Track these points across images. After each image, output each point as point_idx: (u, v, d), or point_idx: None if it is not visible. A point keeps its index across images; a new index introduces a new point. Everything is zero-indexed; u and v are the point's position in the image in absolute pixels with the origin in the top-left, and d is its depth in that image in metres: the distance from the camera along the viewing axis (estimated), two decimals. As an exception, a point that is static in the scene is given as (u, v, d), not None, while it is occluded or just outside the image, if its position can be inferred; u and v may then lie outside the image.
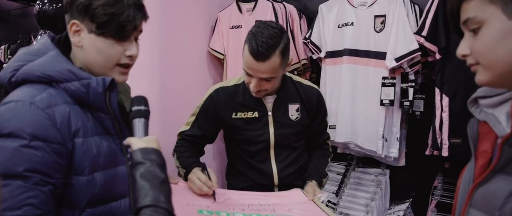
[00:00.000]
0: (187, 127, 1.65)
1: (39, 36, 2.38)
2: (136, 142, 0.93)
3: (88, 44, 0.97)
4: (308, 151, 1.70)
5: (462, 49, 0.82)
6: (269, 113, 1.55)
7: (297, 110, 1.57)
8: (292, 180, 1.58)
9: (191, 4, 2.39)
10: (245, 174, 1.62)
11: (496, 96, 0.86)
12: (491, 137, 0.86)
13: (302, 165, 1.64)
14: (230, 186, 1.67)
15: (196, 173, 1.42)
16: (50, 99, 0.91)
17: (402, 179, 2.38)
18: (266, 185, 1.58)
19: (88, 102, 0.95)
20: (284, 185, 1.57)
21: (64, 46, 1.02)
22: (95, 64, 0.98)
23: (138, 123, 0.98)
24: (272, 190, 1.59)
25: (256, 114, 1.55)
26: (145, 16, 1.01)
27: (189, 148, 1.61)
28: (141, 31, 1.03)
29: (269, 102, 1.56)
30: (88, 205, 0.95)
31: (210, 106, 1.59)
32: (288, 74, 1.62)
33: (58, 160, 0.89)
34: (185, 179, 1.49)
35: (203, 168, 1.45)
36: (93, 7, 0.93)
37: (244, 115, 1.55)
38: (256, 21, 2.41)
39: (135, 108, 0.99)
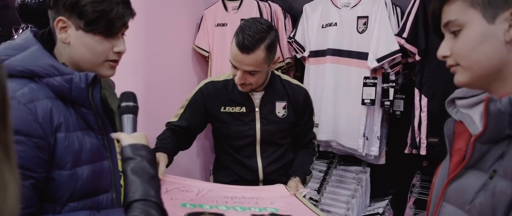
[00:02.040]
0: (175, 119, 1.68)
1: (21, 30, 2.34)
2: (125, 138, 0.95)
3: (75, 41, 0.97)
4: (294, 149, 1.73)
5: (443, 50, 0.86)
6: (256, 109, 1.58)
7: (284, 108, 1.61)
8: (276, 176, 1.62)
9: (176, 1, 2.38)
10: (230, 169, 1.65)
11: (472, 97, 0.90)
12: (465, 136, 0.90)
13: (287, 162, 1.67)
14: (216, 180, 1.70)
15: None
16: (32, 94, 0.91)
17: (382, 177, 2.43)
18: (251, 180, 1.61)
19: (71, 98, 0.95)
20: (269, 181, 1.60)
21: (47, 41, 1.01)
22: (84, 60, 0.99)
23: (127, 119, 1.00)
24: (257, 185, 1.62)
25: (243, 109, 1.58)
26: (132, 13, 1.02)
27: (171, 138, 1.62)
28: (127, 27, 1.04)
29: (257, 98, 1.59)
30: (70, 200, 0.95)
31: (200, 99, 1.63)
32: (276, 72, 1.66)
33: (40, 155, 0.89)
34: None
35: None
36: (82, 4, 0.93)
37: (232, 110, 1.59)
38: (241, 19, 2.42)
39: (123, 104, 1.01)
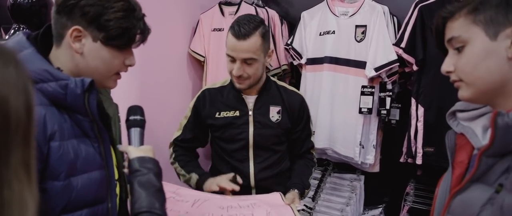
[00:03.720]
0: (179, 133, 1.69)
1: (12, 31, 2.27)
2: (133, 151, 0.95)
3: (90, 52, 0.94)
4: (291, 159, 1.72)
5: (447, 66, 0.86)
6: (250, 112, 1.58)
7: (278, 113, 1.60)
8: (269, 183, 1.60)
9: (172, 5, 2.36)
10: (223, 173, 1.62)
11: (473, 110, 0.91)
12: (467, 148, 0.91)
13: (282, 170, 1.65)
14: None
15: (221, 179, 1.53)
16: None
17: (376, 185, 2.44)
18: (242, 187, 1.58)
19: (66, 104, 0.92)
20: (261, 188, 1.59)
21: (41, 45, 0.97)
22: (96, 72, 0.96)
23: (134, 132, 1.00)
24: (249, 193, 1.60)
25: (237, 113, 1.58)
26: (150, 29, 1.02)
27: (188, 155, 1.67)
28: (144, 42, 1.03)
29: (250, 101, 1.59)
30: (63, 211, 0.91)
31: (198, 107, 1.64)
32: (272, 78, 1.67)
33: None
34: (198, 186, 1.58)
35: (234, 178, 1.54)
36: (106, 18, 0.91)
37: (226, 114, 1.59)
38: (238, 24, 2.42)
39: (131, 117, 1.01)
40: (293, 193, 1.52)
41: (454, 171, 0.94)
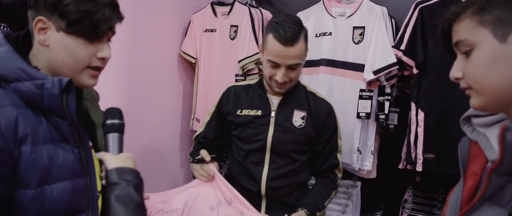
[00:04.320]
0: (201, 129, 1.64)
1: (-7, 29, 2.16)
2: (111, 160, 0.86)
3: (56, 44, 0.87)
4: (313, 174, 1.61)
5: (455, 72, 0.78)
6: (272, 114, 1.50)
7: (302, 118, 1.50)
8: (281, 194, 1.50)
9: (163, 5, 2.28)
10: (235, 178, 1.55)
11: (489, 116, 0.83)
12: (481, 159, 0.83)
13: (298, 183, 1.54)
14: None
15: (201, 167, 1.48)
16: None
17: (373, 191, 2.37)
18: (253, 193, 1.50)
19: (42, 105, 0.85)
20: (272, 199, 1.50)
21: (23, 45, 0.91)
22: (64, 65, 0.89)
23: (112, 138, 0.91)
24: (259, 201, 1.50)
25: (259, 113, 1.51)
26: (120, 17, 0.93)
27: (203, 147, 1.59)
28: (114, 32, 0.95)
29: (275, 103, 1.51)
30: None
31: (222, 103, 1.59)
32: (302, 82, 1.58)
33: (0, 170, 0.78)
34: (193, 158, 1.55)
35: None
36: (65, 3, 0.84)
37: (248, 112, 1.52)
38: (231, 25, 2.34)
39: (109, 121, 0.91)
40: (301, 214, 1.41)
41: (465, 183, 0.86)
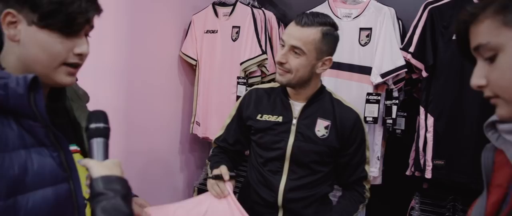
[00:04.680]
0: (221, 132, 1.57)
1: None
2: (96, 168, 0.78)
3: (27, 39, 0.80)
4: (339, 185, 1.53)
5: (477, 79, 0.70)
6: (294, 121, 1.41)
7: (326, 128, 1.40)
8: (299, 206, 1.41)
9: (162, 5, 2.22)
10: (252, 186, 1.47)
11: None
12: (507, 169, 0.76)
13: (319, 196, 1.44)
14: (239, 198, 1.50)
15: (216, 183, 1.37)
16: None
17: (379, 198, 2.29)
18: (269, 203, 1.42)
19: (9, 107, 0.76)
20: (289, 210, 1.41)
21: None
22: (37, 62, 0.81)
23: (96, 144, 0.82)
24: (276, 212, 1.42)
25: (280, 119, 1.42)
26: (98, 10, 0.86)
27: (223, 157, 1.52)
28: (92, 26, 0.87)
29: (297, 109, 1.42)
30: None
31: (243, 106, 1.52)
32: (328, 89, 1.48)
33: None
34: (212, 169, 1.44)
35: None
36: None
37: (268, 118, 1.44)
38: (233, 26, 2.28)
39: (93, 125, 0.83)
40: None
41: (489, 195, 0.79)
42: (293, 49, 1.32)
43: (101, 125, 0.84)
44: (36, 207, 0.77)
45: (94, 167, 0.78)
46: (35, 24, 0.79)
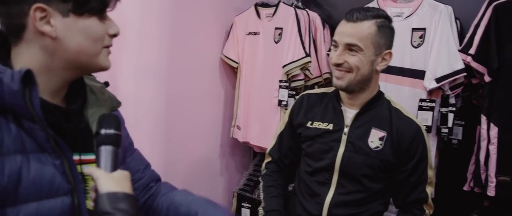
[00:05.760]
0: (274, 141, 1.50)
1: None
2: (103, 180, 0.70)
3: (67, 31, 0.74)
4: (396, 207, 1.40)
5: None
6: (345, 130, 1.30)
7: (380, 139, 1.28)
8: None
9: (205, 6, 2.19)
10: (298, 198, 1.40)
11: None
12: None
13: (369, 215, 1.32)
14: (285, 208, 1.45)
15: None
16: None
17: (431, 214, 2.12)
18: None
19: (5, 105, 0.69)
20: None
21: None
22: (82, 52, 0.77)
23: (105, 152, 0.74)
24: None
25: (330, 127, 1.32)
26: None
27: (276, 180, 1.47)
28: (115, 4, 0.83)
29: (349, 116, 1.31)
30: None
31: (294, 112, 1.44)
32: (387, 97, 1.37)
33: None
34: None
35: None
36: None
37: (318, 125, 1.35)
38: (275, 28, 2.20)
39: (103, 131, 0.75)
40: None
41: None
42: (349, 47, 1.22)
43: (111, 131, 0.75)
44: None
45: (100, 179, 0.70)
46: (72, 12, 0.74)
